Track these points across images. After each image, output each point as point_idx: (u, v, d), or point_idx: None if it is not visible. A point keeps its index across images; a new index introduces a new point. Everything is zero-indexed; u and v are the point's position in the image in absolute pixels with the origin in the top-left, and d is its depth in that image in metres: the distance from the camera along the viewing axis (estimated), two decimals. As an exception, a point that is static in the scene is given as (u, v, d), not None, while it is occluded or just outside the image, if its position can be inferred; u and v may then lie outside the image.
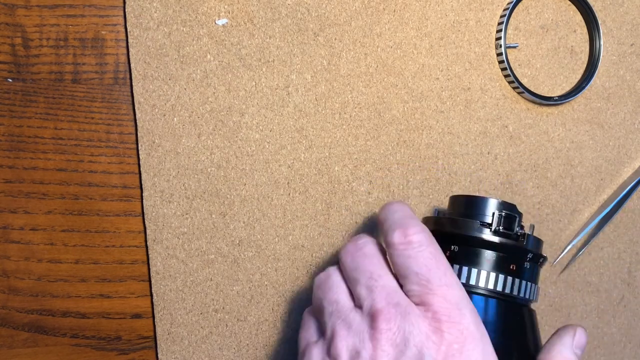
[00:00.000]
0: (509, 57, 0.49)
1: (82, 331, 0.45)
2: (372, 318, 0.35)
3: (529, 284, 0.39)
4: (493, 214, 0.39)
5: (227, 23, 0.45)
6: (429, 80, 0.48)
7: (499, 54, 0.49)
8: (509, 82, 0.49)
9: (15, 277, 0.44)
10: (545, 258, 0.41)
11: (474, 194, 0.41)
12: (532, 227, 0.41)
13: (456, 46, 0.48)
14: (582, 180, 0.52)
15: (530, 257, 0.39)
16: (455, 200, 0.41)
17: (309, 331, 0.38)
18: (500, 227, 0.38)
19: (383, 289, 0.36)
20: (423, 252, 0.36)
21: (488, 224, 0.38)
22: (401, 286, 0.36)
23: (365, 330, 0.35)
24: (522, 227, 0.40)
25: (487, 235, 0.38)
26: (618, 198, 0.52)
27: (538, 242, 0.40)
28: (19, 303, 0.44)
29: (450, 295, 0.35)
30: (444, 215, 0.42)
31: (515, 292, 0.38)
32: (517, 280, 0.38)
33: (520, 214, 0.39)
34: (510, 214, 0.38)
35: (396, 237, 0.36)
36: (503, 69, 0.49)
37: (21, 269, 0.44)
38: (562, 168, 0.51)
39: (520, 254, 0.38)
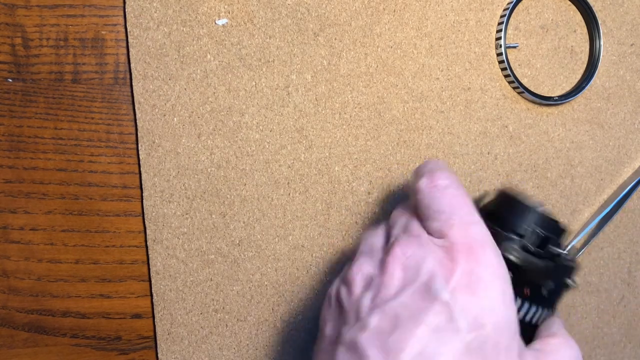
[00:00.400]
0: (509, 57, 0.49)
1: (82, 331, 0.45)
2: (390, 247, 0.34)
3: (540, 309, 0.36)
4: (528, 228, 0.36)
5: (227, 23, 0.45)
6: (429, 80, 0.48)
7: (499, 54, 0.49)
8: (509, 82, 0.49)
9: (15, 277, 0.44)
10: (570, 284, 0.38)
11: (519, 196, 0.37)
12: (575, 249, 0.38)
13: (456, 46, 0.48)
14: (582, 180, 0.52)
15: (552, 286, 0.36)
16: (501, 195, 0.39)
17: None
18: (531, 247, 0.36)
19: (407, 228, 0.35)
20: (447, 193, 0.35)
21: (520, 235, 0.36)
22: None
23: (382, 258, 0.34)
24: (559, 245, 0.37)
25: (513, 253, 0.36)
26: (618, 198, 0.52)
27: (567, 268, 0.37)
28: (19, 303, 0.44)
29: (473, 232, 0.33)
30: (484, 206, 0.40)
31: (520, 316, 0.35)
32: (525, 304, 0.36)
33: (561, 231, 0.36)
34: (547, 235, 0.36)
35: (423, 182, 0.36)
36: (503, 69, 0.49)
37: (21, 269, 0.44)
38: (562, 168, 0.51)
39: (542, 276, 0.36)
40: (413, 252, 0.33)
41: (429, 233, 0.35)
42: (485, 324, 0.30)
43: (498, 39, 0.49)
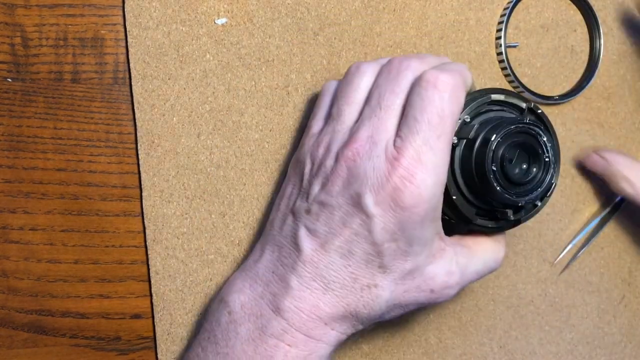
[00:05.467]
0: (509, 57, 0.49)
1: (81, 331, 0.45)
2: (349, 141, 0.37)
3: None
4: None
5: (226, 22, 0.45)
6: (429, 79, 0.48)
7: (499, 54, 0.49)
8: (509, 82, 0.49)
9: (14, 277, 0.44)
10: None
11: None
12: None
13: (456, 45, 0.48)
14: (582, 180, 0.52)
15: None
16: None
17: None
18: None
19: (379, 122, 0.37)
20: (436, 102, 0.36)
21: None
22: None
23: (336, 151, 0.37)
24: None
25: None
26: (618, 198, 0.52)
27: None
28: (18, 303, 0.44)
29: (426, 159, 0.35)
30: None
31: None
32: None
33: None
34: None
35: (427, 74, 0.36)
36: (503, 69, 0.49)
37: (20, 269, 0.44)
38: (562, 168, 0.51)
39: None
40: (362, 156, 0.36)
41: (398, 130, 0.36)
42: (398, 238, 0.36)
43: (498, 38, 0.49)
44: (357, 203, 0.36)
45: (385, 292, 0.38)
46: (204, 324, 0.41)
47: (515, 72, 0.49)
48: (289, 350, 0.37)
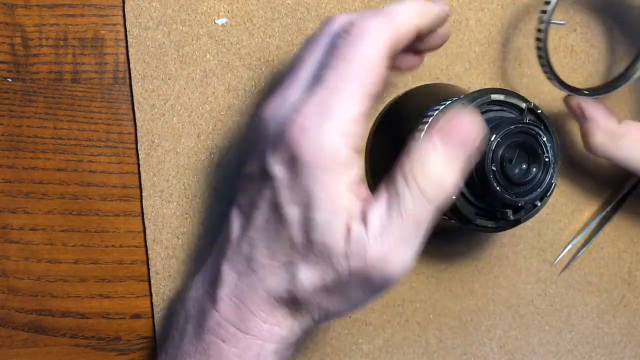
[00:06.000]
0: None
1: (81, 331, 0.45)
2: (267, 101, 0.34)
3: None
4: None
5: (226, 22, 0.45)
6: (429, 80, 0.48)
7: (539, 30, 0.43)
8: (541, 65, 0.44)
9: (14, 277, 0.44)
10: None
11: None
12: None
13: (456, 46, 0.48)
14: (582, 180, 0.52)
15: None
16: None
17: None
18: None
19: (289, 80, 0.34)
20: (343, 55, 0.32)
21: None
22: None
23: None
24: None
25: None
26: (618, 198, 0.52)
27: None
28: (18, 303, 0.44)
29: (329, 106, 0.31)
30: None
31: None
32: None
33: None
34: None
35: (344, 20, 0.33)
36: (539, 48, 0.44)
37: (20, 269, 0.44)
38: (563, 168, 0.51)
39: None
40: (269, 113, 0.33)
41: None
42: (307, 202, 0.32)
43: (543, 12, 0.43)
44: (263, 165, 0.33)
45: (299, 272, 0.33)
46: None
47: (522, 68, 0.49)
48: (222, 346, 0.35)
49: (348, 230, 0.32)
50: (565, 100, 0.46)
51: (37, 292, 0.44)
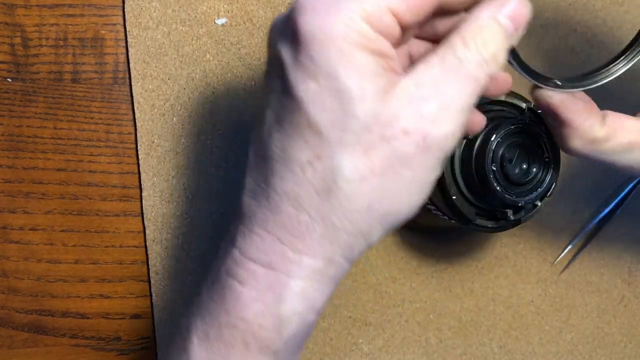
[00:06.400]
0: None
1: (81, 331, 0.45)
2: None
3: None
4: None
5: (226, 22, 0.45)
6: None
7: None
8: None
9: (14, 277, 0.44)
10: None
11: None
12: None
13: (456, 46, 0.48)
14: (582, 180, 0.52)
15: None
16: None
17: None
18: None
19: None
20: None
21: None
22: None
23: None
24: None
25: None
26: (618, 198, 0.52)
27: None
28: (18, 303, 0.44)
29: (320, 11, 0.27)
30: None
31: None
32: None
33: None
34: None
35: None
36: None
37: (20, 269, 0.44)
38: (563, 168, 0.51)
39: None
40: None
41: None
42: (317, 73, 0.27)
43: None
44: (270, 49, 0.29)
45: (335, 161, 0.27)
46: None
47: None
48: (239, 290, 0.29)
49: (391, 90, 0.27)
50: (534, 95, 0.35)
51: (37, 292, 0.44)
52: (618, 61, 0.36)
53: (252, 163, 0.30)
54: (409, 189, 0.28)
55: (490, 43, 0.29)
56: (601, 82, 0.36)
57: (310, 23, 0.27)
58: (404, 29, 0.29)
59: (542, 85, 0.33)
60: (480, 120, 0.33)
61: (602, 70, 0.36)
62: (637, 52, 0.36)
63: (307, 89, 0.27)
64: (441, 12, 0.31)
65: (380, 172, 0.27)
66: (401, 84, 0.28)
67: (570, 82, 0.34)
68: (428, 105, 0.27)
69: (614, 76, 0.36)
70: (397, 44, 0.29)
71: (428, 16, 0.30)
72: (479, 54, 0.28)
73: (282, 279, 0.29)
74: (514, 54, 0.32)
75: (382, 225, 0.29)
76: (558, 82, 0.34)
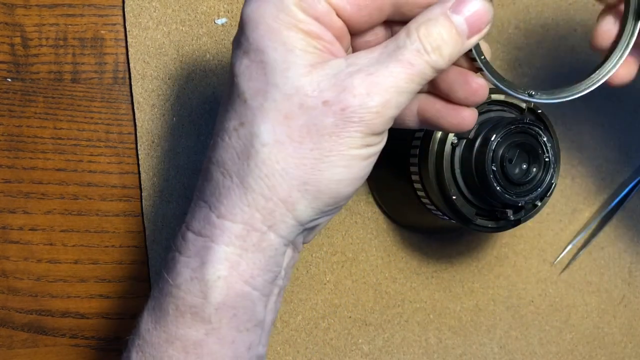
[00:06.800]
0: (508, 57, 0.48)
1: (81, 332, 0.45)
2: None
3: None
4: None
5: (226, 22, 0.45)
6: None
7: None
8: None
9: (14, 277, 0.44)
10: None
11: None
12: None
13: (456, 46, 0.48)
14: (582, 180, 0.52)
15: None
16: None
17: None
18: None
19: None
20: None
21: None
22: None
23: None
24: None
25: None
26: (618, 198, 0.52)
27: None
28: (18, 303, 0.44)
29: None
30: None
31: None
32: None
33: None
34: None
35: None
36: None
37: (20, 269, 0.44)
38: (562, 168, 0.51)
39: None
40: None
41: None
42: (246, 47, 0.30)
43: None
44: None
45: (255, 126, 0.29)
46: None
47: (522, 68, 0.49)
48: (177, 258, 0.31)
49: (320, 65, 0.29)
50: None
51: (37, 292, 0.44)
52: (595, 74, 0.36)
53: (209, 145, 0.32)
54: (330, 162, 0.29)
55: (435, 35, 0.29)
56: (576, 95, 0.35)
57: (249, 8, 0.29)
58: (351, 21, 0.30)
59: (514, 94, 0.33)
60: (468, 116, 0.32)
61: (578, 84, 0.36)
62: (612, 67, 0.36)
63: (240, 64, 0.29)
64: (402, 16, 0.32)
65: (299, 139, 0.29)
66: (333, 62, 0.29)
67: (545, 93, 0.34)
68: (353, 80, 0.28)
69: (588, 90, 0.36)
70: (344, 35, 0.31)
71: (379, 14, 0.31)
72: (419, 43, 0.29)
73: (207, 244, 0.30)
74: (484, 61, 0.32)
75: (306, 198, 0.29)
76: (532, 92, 0.34)
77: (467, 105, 0.32)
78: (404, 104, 0.30)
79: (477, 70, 0.32)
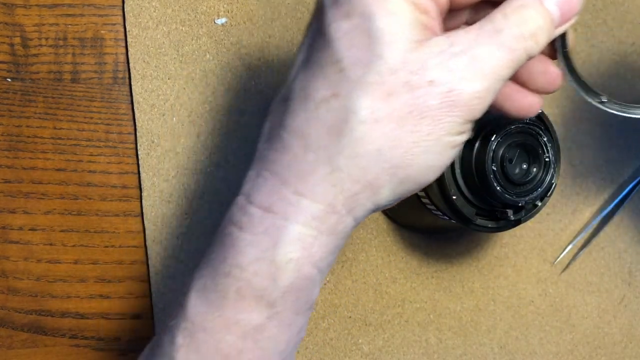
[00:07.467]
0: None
1: (81, 332, 0.45)
2: None
3: None
4: None
5: (226, 22, 0.45)
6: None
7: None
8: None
9: (14, 277, 0.44)
10: None
11: None
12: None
13: (456, 45, 0.48)
14: (582, 180, 0.52)
15: None
16: None
17: None
18: None
19: None
20: None
21: None
22: None
23: None
24: None
25: None
26: (618, 198, 0.52)
27: None
28: (18, 303, 0.44)
29: None
30: None
31: None
32: None
33: None
34: None
35: None
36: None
37: (20, 269, 0.44)
38: (563, 168, 0.51)
39: None
40: None
41: None
42: (350, 12, 0.27)
43: None
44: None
45: (352, 100, 0.26)
46: None
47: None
48: (236, 236, 0.28)
49: (424, 42, 0.27)
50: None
51: (37, 292, 0.44)
52: None
53: (273, 109, 0.29)
54: (426, 145, 0.27)
55: (530, 21, 0.28)
56: None
57: None
58: (454, 2, 0.29)
59: (585, 96, 0.32)
60: (536, 102, 0.31)
61: None
62: None
63: (338, 27, 0.27)
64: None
65: (398, 119, 0.26)
66: (435, 40, 0.27)
67: (617, 103, 0.33)
68: (458, 61, 0.26)
69: None
70: (443, 12, 0.29)
71: None
72: (517, 28, 0.27)
73: (279, 223, 0.27)
74: (566, 53, 0.31)
75: (392, 182, 0.27)
76: (603, 99, 0.33)
77: (538, 92, 0.31)
78: (499, 91, 0.28)
79: (557, 60, 0.31)
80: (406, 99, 0.26)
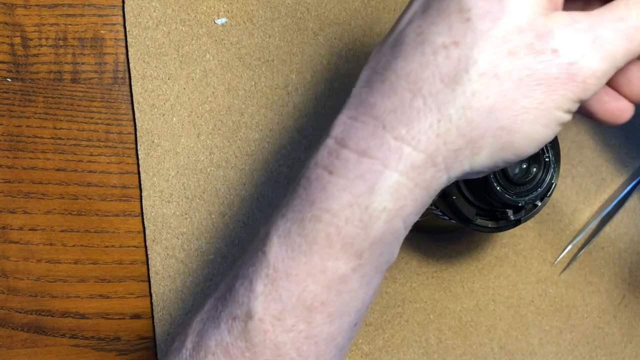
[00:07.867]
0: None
1: (81, 332, 0.45)
2: None
3: None
4: None
5: (226, 22, 0.45)
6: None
7: None
8: None
9: (14, 277, 0.44)
10: None
11: None
12: None
13: (456, 45, 0.48)
14: (582, 179, 0.52)
15: None
16: None
17: None
18: None
19: None
20: None
21: None
22: None
23: None
24: None
25: None
26: (618, 198, 0.52)
27: None
28: (18, 303, 0.44)
29: None
30: None
31: None
32: None
33: None
34: None
35: None
36: None
37: (20, 269, 0.44)
38: (563, 168, 0.51)
39: None
40: None
41: None
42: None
43: None
44: None
45: (475, 51, 0.25)
46: None
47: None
48: (326, 180, 0.27)
49: (550, 13, 0.26)
50: None
51: (37, 292, 0.44)
52: None
53: (376, 56, 0.28)
54: (535, 114, 0.26)
55: None
56: None
57: None
58: None
59: None
60: (627, 108, 0.30)
61: None
62: None
63: None
64: None
65: (516, 79, 0.26)
66: (560, 13, 0.26)
67: None
68: (582, 36, 0.26)
69: None
70: None
71: None
72: (637, 20, 0.27)
73: (376, 168, 0.26)
74: None
75: (494, 145, 0.26)
76: None
77: (630, 99, 0.30)
78: (609, 78, 0.27)
79: None
80: (527, 62, 0.26)
